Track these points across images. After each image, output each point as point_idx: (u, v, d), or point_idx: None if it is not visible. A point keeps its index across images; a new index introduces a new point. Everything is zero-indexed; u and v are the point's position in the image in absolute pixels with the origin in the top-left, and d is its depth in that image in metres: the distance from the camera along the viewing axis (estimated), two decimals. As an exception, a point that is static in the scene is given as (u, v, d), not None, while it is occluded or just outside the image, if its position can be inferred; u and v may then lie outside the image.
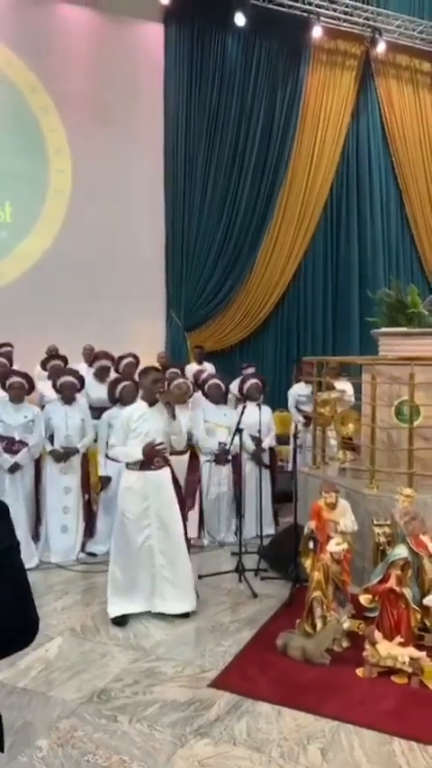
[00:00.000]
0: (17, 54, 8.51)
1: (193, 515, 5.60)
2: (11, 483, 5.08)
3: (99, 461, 5.49)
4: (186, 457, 5.66)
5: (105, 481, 5.45)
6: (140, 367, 6.59)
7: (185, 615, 4.15)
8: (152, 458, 4.14)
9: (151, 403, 4.22)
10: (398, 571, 3.45)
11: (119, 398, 5.47)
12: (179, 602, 4.13)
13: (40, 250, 8.74)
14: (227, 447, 5.61)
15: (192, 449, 5.72)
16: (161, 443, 4.14)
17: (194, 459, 5.74)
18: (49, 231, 8.81)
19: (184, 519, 4.33)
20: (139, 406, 4.27)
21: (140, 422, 4.17)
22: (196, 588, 4.29)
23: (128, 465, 4.21)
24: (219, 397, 5.93)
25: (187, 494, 5.53)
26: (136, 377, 6.43)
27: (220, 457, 5.70)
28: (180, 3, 8.90)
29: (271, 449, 6.04)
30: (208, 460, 5.73)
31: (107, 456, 5.23)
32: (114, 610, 4.10)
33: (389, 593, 3.45)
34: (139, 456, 4.11)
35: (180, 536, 4.21)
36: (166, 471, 4.26)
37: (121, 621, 4.06)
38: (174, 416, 4.21)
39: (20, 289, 8.50)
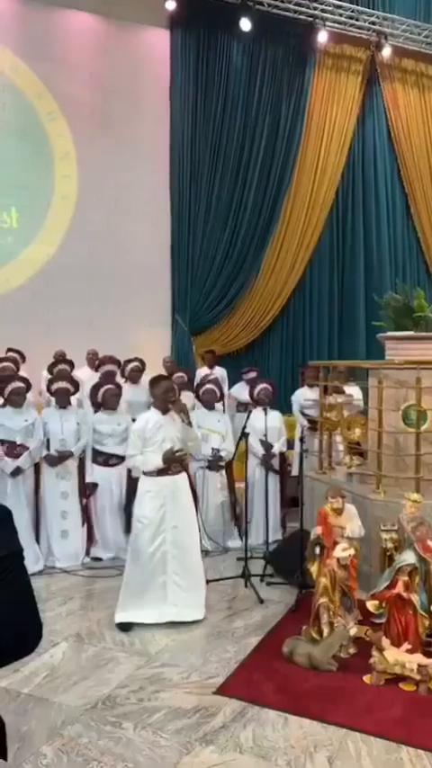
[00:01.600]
0: (23, 60, 8.56)
1: None
2: (13, 487, 5.08)
3: (86, 467, 5.48)
4: None
5: (92, 487, 5.45)
6: (146, 371, 6.64)
7: (191, 621, 4.12)
8: (172, 464, 4.16)
9: (164, 411, 4.22)
10: (405, 577, 3.43)
11: (101, 403, 5.49)
12: (191, 609, 4.11)
13: (45, 255, 8.76)
14: (220, 453, 5.61)
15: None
16: (180, 450, 4.16)
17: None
18: (55, 237, 8.83)
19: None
20: (153, 414, 4.26)
21: (155, 430, 4.17)
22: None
23: (145, 471, 4.22)
24: (213, 403, 5.91)
25: None
26: (140, 382, 6.48)
27: (214, 463, 5.68)
28: (185, 9, 8.94)
29: (281, 454, 6.02)
30: (201, 467, 5.70)
31: (94, 463, 5.34)
32: (121, 616, 4.08)
33: (396, 599, 3.42)
34: (159, 464, 4.13)
35: (195, 542, 4.24)
36: (182, 477, 4.28)
37: (125, 627, 4.04)
38: (190, 423, 4.22)
39: (26, 294, 8.52)
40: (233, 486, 5.75)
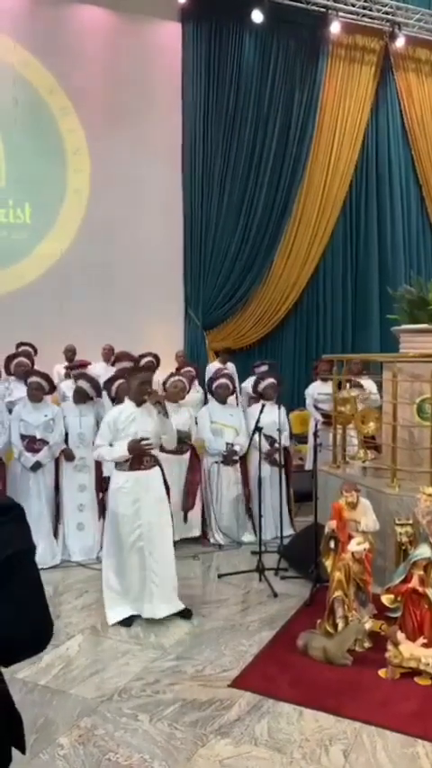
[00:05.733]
0: (35, 55, 8.57)
1: (195, 516, 5.61)
2: (34, 482, 5.15)
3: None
4: (187, 456, 5.63)
5: (109, 481, 5.46)
6: (159, 366, 6.64)
7: (188, 614, 4.11)
8: (139, 454, 4.06)
9: (139, 403, 4.15)
10: (420, 571, 3.41)
11: (115, 397, 5.50)
12: (165, 604, 4.06)
13: (58, 250, 8.79)
14: (234, 447, 5.60)
15: (192, 448, 5.70)
16: (146, 439, 4.04)
17: (195, 458, 5.69)
18: (68, 231, 8.86)
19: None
20: (127, 406, 4.19)
21: (127, 422, 4.09)
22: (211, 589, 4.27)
23: (117, 466, 4.15)
24: (225, 398, 5.88)
25: (188, 494, 5.53)
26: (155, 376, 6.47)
27: (228, 458, 5.67)
28: (197, 1, 8.89)
29: (285, 448, 5.99)
30: (216, 462, 5.69)
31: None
32: (113, 616, 4.06)
33: (411, 593, 3.40)
34: (125, 453, 4.03)
35: (169, 537, 4.18)
36: (155, 471, 4.19)
37: (127, 622, 4.03)
38: (166, 414, 4.13)
39: (40, 289, 8.56)
40: (247, 481, 5.74)
